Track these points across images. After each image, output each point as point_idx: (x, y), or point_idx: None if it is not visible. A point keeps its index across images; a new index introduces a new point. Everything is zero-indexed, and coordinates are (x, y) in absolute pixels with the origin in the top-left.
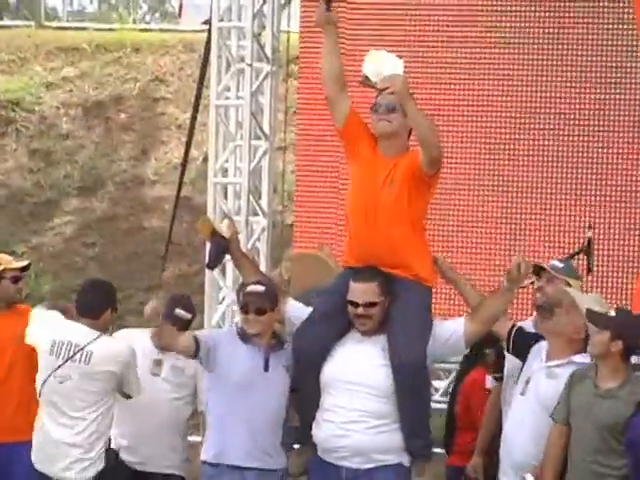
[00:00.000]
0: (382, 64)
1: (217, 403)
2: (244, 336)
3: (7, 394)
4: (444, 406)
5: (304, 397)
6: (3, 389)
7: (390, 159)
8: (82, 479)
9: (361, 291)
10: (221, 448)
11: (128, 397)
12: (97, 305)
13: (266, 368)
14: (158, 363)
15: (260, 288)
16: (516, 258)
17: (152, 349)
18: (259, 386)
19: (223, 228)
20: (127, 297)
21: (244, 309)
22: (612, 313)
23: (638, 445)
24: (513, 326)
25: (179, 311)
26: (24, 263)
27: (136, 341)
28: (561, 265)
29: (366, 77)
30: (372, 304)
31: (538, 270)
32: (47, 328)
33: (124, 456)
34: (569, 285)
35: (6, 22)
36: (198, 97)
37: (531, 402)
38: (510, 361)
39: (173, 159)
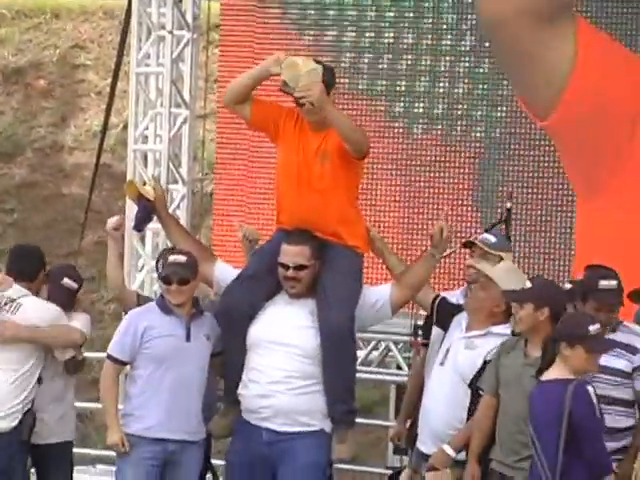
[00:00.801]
0: (299, 70)
1: (139, 375)
2: (165, 308)
3: None
4: (363, 375)
5: (229, 357)
6: None
7: (319, 133)
8: None
9: (292, 253)
10: (144, 421)
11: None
12: (32, 269)
13: (188, 338)
14: None
15: (182, 258)
16: (438, 223)
17: None
18: (182, 357)
19: (149, 190)
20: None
21: (166, 280)
22: (528, 284)
23: (536, 422)
24: (437, 296)
25: (67, 281)
26: None
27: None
28: (494, 240)
29: (285, 83)
30: (302, 267)
31: (470, 244)
32: None
33: None
34: (501, 259)
35: None
36: (118, 64)
37: (449, 372)
38: (435, 330)
39: (93, 126)
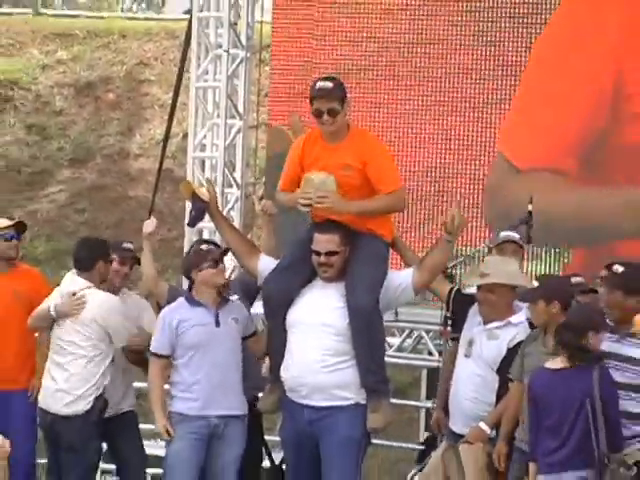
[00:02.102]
0: (314, 185)
1: (181, 364)
2: (192, 301)
3: (3, 346)
4: (398, 360)
5: (272, 340)
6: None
7: (336, 145)
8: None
9: (324, 241)
10: (188, 402)
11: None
12: (87, 258)
13: (217, 324)
14: None
15: (208, 247)
16: (451, 210)
17: None
18: (214, 341)
19: (204, 192)
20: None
21: (212, 264)
22: (535, 284)
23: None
24: (452, 288)
25: (126, 245)
26: (14, 221)
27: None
28: (518, 235)
29: (303, 205)
30: (333, 253)
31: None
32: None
33: None
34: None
35: (5, 9)
36: (179, 79)
37: (477, 362)
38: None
39: (156, 135)
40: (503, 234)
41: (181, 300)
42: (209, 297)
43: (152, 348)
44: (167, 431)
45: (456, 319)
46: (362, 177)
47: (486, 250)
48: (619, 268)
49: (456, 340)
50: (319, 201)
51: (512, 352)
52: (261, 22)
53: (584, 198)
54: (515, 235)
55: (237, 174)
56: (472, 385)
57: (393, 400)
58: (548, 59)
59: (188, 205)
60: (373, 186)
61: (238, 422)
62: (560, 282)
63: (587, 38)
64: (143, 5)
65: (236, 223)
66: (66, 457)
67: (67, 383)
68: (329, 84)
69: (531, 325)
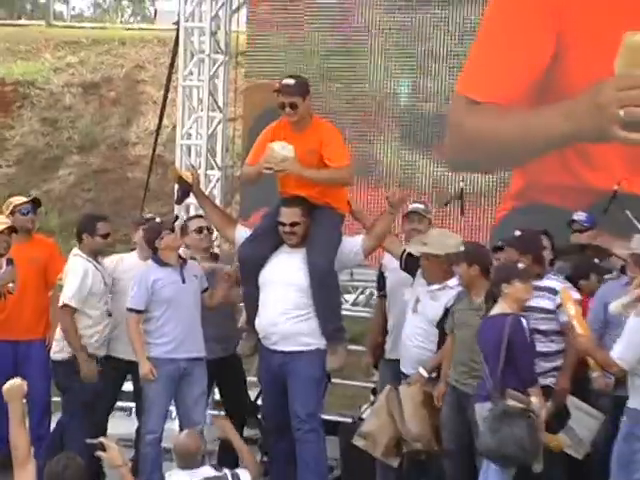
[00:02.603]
0: (275, 152)
1: (154, 316)
2: (160, 262)
3: (23, 304)
4: (353, 313)
5: (247, 295)
6: (20, 300)
7: (300, 133)
8: None
9: (288, 213)
10: (162, 347)
11: None
12: (77, 233)
13: (183, 281)
14: None
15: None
16: (392, 190)
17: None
18: (182, 295)
19: (188, 175)
20: (115, 230)
21: (169, 232)
22: (462, 248)
23: (484, 347)
24: (404, 251)
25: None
26: (30, 198)
27: (124, 260)
28: (423, 206)
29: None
30: (296, 223)
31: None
32: None
33: None
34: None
35: (24, 21)
36: (169, 80)
37: (421, 318)
38: (391, 279)
39: (150, 126)
40: (411, 206)
41: (150, 263)
42: (173, 259)
43: (130, 305)
44: (152, 372)
45: (381, 280)
46: (321, 158)
47: None
48: (517, 232)
49: (383, 297)
50: (279, 165)
51: (449, 308)
52: (237, 32)
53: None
54: (420, 206)
55: (218, 159)
56: (418, 336)
57: (349, 346)
58: (501, 13)
59: (176, 186)
60: (325, 162)
61: (201, 364)
62: (479, 248)
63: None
64: (138, 18)
65: (217, 199)
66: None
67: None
68: (291, 82)
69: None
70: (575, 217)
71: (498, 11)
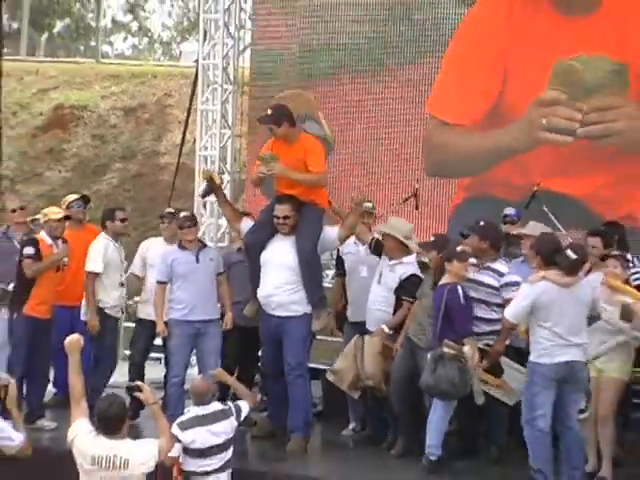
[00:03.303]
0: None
1: (175, 287)
2: (182, 246)
3: (77, 277)
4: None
5: (252, 272)
6: (74, 274)
7: (290, 146)
8: None
9: (280, 209)
10: (180, 311)
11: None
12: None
13: (197, 261)
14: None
15: (188, 214)
16: (356, 193)
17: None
18: (195, 272)
19: (216, 177)
20: (148, 222)
21: (183, 226)
22: (432, 239)
23: (433, 310)
24: (373, 237)
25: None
26: (80, 195)
27: (154, 244)
28: (370, 205)
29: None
30: (287, 217)
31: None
32: None
33: None
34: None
35: (78, 59)
36: (190, 104)
37: (383, 287)
38: (350, 260)
39: (176, 141)
40: (364, 205)
41: (175, 246)
42: (191, 244)
43: (157, 277)
44: (163, 331)
45: (339, 261)
46: (306, 165)
47: None
48: (482, 222)
49: (342, 275)
50: (269, 168)
51: (404, 281)
52: (243, 67)
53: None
54: (368, 204)
55: (228, 166)
56: (380, 302)
57: (331, 310)
58: (463, 48)
59: (198, 184)
60: (307, 168)
61: (215, 324)
62: (444, 239)
63: (488, 32)
64: (167, 57)
65: (228, 197)
66: None
67: None
68: (268, 112)
69: (420, 265)
70: (506, 212)
71: (460, 47)
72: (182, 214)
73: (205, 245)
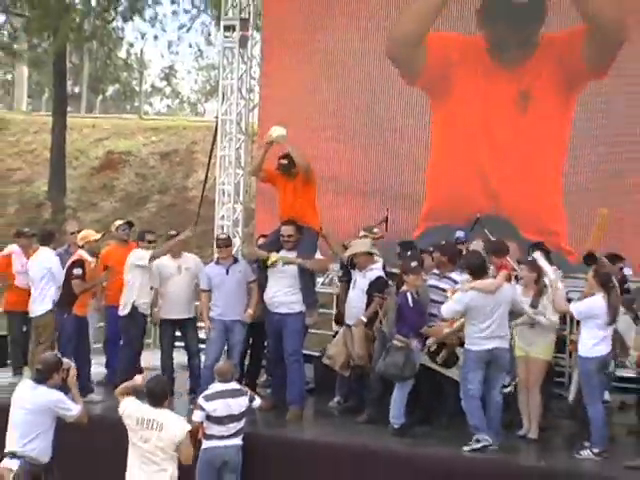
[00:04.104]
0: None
1: (213, 293)
2: (217, 262)
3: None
4: (323, 290)
5: (260, 279)
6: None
7: (291, 179)
8: None
9: (286, 229)
10: (215, 311)
11: None
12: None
13: (227, 273)
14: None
15: (224, 236)
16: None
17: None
18: (225, 282)
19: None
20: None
21: (219, 246)
22: (373, 249)
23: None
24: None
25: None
26: (126, 220)
27: (185, 257)
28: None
29: (270, 142)
30: (291, 235)
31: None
32: None
33: None
34: (366, 237)
35: (125, 116)
36: (211, 150)
37: (357, 291)
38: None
39: (200, 178)
40: (373, 231)
41: (213, 263)
42: (224, 260)
43: (201, 287)
44: (208, 327)
45: (345, 271)
46: (302, 179)
47: None
48: (443, 242)
49: (344, 281)
50: (275, 135)
51: (373, 282)
52: (252, 122)
53: None
54: (376, 230)
55: (240, 198)
56: (355, 301)
57: (321, 310)
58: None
59: (218, 213)
60: (302, 182)
61: (239, 322)
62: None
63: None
64: (194, 113)
65: (240, 223)
66: None
67: None
68: (285, 161)
69: (388, 275)
70: (457, 235)
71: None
72: (220, 237)
73: (237, 260)
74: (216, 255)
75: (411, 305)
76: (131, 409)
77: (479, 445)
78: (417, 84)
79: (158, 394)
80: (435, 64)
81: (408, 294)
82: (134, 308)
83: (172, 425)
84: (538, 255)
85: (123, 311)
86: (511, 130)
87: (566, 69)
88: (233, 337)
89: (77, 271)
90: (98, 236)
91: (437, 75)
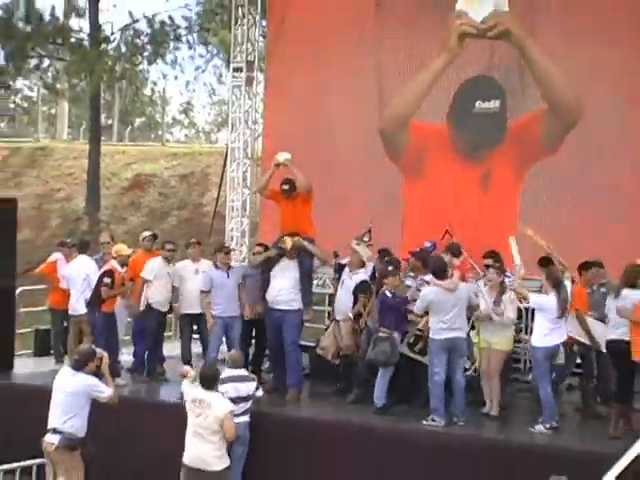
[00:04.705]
0: (281, 157)
1: (213, 294)
2: (217, 267)
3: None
4: (318, 290)
5: (264, 280)
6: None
7: (292, 199)
8: None
9: (287, 240)
10: (216, 309)
11: None
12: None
13: (228, 277)
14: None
15: (227, 246)
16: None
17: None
18: (225, 284)
19: (288, 242)
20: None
21: (221, 251)
22: (369, 252)
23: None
24: (335, 262)
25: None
26: (151, 233)
27: (185, 265)
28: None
29: (278, 162)
30: (292, 246)
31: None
32: None
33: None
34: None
35: (150, 144)
36: (222, 173)
37: (346, 291)
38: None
39: (213, 196)
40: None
41: (213, 267)
42: (223, 265)
43: (201, 288)
44: (212, 324)
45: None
46: (302, 198)
47: None
48: (417, 249)
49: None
50: (282, 159)
51: (359, 284)
52: (257, 150)
53: None
54: (366, 239)
55: (247, 213)
56: (344, 299)
57: (315, 307)
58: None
59: (228, 225)
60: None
61: (237, 319)
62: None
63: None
64: (208, 141)
65: (247, 234)
66: None
67: None
68: (287, 186)
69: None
70: (425, 244)
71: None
72: (224, 246)
73: (231, 266)
74: (218, 261)
75: (390, 302)
76: (187, 390)
77: (433, 423)
78: (398, 164)
79: (209, 378)
80: (414, 147)
81: (387, 293)
82: (148, 305)
83: (218, 405)
84: (513, 241)
85: (141, 307)
86: (476, 206)
87: (523, 151)
88: (233, 332)
89: (106, 280)
90: (129, 252)
91: (414, 158)
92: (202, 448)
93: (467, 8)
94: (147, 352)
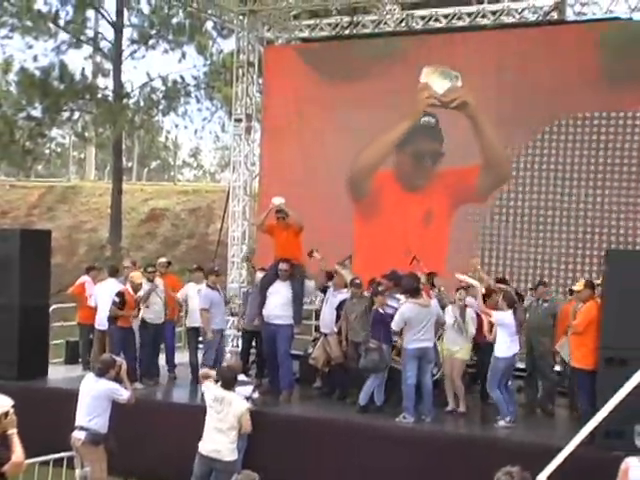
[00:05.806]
0: (276, 201)
1: (211, 312)
2: (211, 287)
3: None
4: (306, 307)
5: (261, 299)
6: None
7: (287, 229)
8: None
9: (282, 266)
10: (215, 324)
11: None
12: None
13: (220, 294)
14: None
15: (217, 269)
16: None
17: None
18: (219, 302)
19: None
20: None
21: (212, 274)
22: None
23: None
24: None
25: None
26: (167, 260)
27: (190, 287)
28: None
29: (275, 205)
30: (286, 269)
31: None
32: None
33: None
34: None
35: (163, 183)
36: (225, 208)
37: (329, 308)
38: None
39: (217, 227)
40: (345, 263)
41: (207, 288)
42: (217, 285)
43: (201, 306)
44: (212, 336)
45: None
46: (294, 231)
47: None
48: (390, 271)
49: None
50: (277, 205)
51: (341, 302)
52: (255, 188)
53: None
54: (347, 262)
55: (246, 241)
56: (328, 314)
57: (303, 322)
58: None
59: (230, 252)
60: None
61: (224, 330)
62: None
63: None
64: (213, 181)
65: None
66: None
67: None
68: (281, 215)
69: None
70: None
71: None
72: (215, 269)
73: (224, 287)
74: (209, 282)
75: (381, 318)
76: (209, 390)
77: (405, 420)
78: (358, 204)
79: (228, 379)
80: (374, 192)
81: (380, 310)
82: (143, 320)
83: (236, 403)
84: (461, 276)
85: (137, 322)
86: (420, 239)
87: (458, 195)
88: (223, 340)
89: (115, 299)
90: (141, 281)
91: (371, 202)
92: (219, 440)
93: (430, 81)
94: (140, 360)
